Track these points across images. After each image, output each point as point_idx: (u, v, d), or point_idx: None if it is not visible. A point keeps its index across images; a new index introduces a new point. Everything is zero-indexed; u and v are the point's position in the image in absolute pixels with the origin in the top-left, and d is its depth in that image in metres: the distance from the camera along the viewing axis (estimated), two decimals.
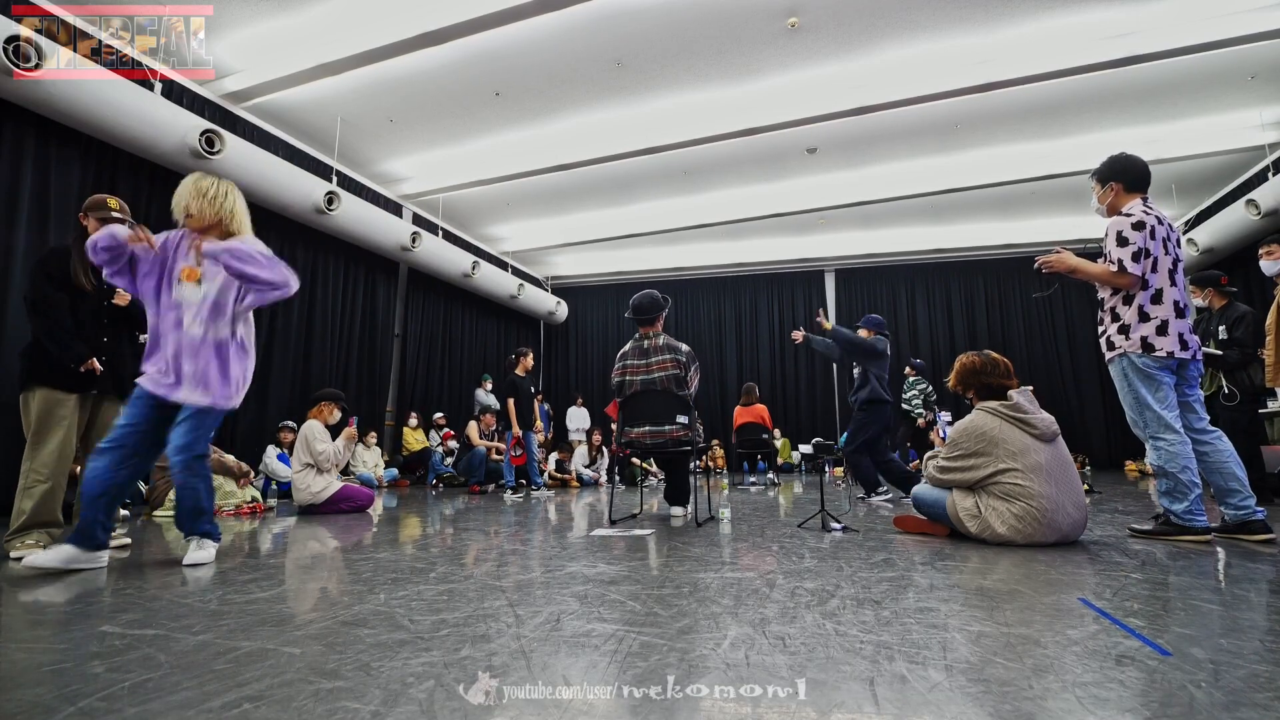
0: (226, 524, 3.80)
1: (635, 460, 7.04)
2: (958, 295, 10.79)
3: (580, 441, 8.97)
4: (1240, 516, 2.57)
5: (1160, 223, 2.67)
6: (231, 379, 2.45)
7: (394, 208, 8.13)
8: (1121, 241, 2.62)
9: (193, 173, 2.52)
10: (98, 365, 2.76)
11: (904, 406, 7.57)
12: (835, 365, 5.26)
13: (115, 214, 2.84)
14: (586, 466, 7.99)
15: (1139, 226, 2.62)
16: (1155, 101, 6.36)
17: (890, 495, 4.72)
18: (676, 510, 3.76)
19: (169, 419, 2.38)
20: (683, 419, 3.54)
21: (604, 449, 8.31)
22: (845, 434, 4.68)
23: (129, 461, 2.32)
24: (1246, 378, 4.13)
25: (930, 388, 7.52)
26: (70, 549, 2.21)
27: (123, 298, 2.86)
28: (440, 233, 8.89)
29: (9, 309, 4.26)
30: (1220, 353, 4.16)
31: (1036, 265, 2.83)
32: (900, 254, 10.85)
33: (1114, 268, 2.63)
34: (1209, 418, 2.69)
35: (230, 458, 4.59)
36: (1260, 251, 4.04)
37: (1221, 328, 4.23)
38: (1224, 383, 4.18)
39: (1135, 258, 2.59)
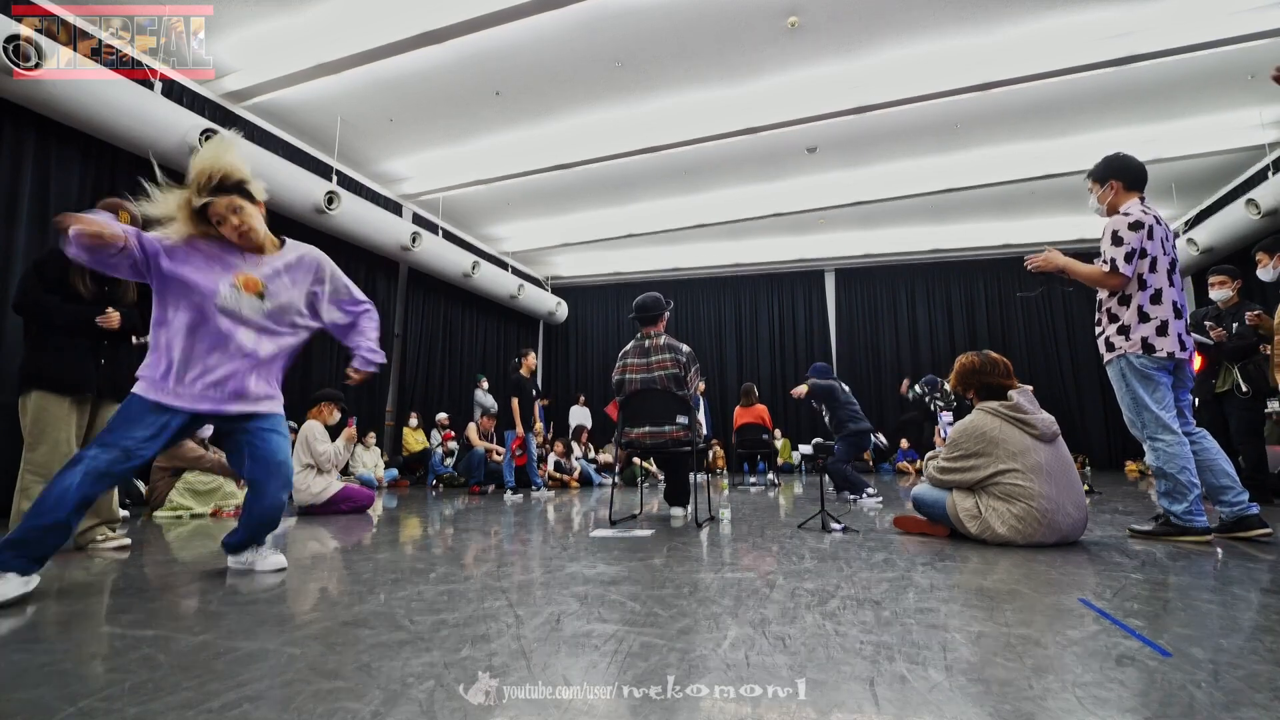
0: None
1: (636, 460, 7.05)
2: (958, 295, 10.79)
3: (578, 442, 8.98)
4: (1235, 512, 2.57)
5: (1158, 223, 2.67)
6: None
7: (394, 207, 8.12)
8: (1116, 241, 2.62)
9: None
10: (115, 319, 2.75)
11: (925, 400, 8.11)
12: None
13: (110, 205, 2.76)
14: (580, 457, 8.02)
15: (1136, 227, 2.61)
16: (1155, 101, 6.36)
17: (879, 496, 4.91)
18: (676, 510, 3.76)
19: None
20: (683, 419, 3.54)
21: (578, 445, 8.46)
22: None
23: None
24: (1255, 368, 4.08)
25: (939, 394, 7.89)
26: None
27: (110, 320, 2.77)
28: (440, 232, 8.89)
29: (9, 309, 4.26)
30: (1212, 340, 4.11)
31: (1026, 265, 2.84)
32: (900, 254, 10.85)
33: (1106, 267, 2.63)
34: (1200, 419, 2.70)
35: None
36: (1256, 257, 4.03)
37: (1234, 325, 4.21)
38: (1238, 377, 4.13)
39: (1128, 258, 2.58)
